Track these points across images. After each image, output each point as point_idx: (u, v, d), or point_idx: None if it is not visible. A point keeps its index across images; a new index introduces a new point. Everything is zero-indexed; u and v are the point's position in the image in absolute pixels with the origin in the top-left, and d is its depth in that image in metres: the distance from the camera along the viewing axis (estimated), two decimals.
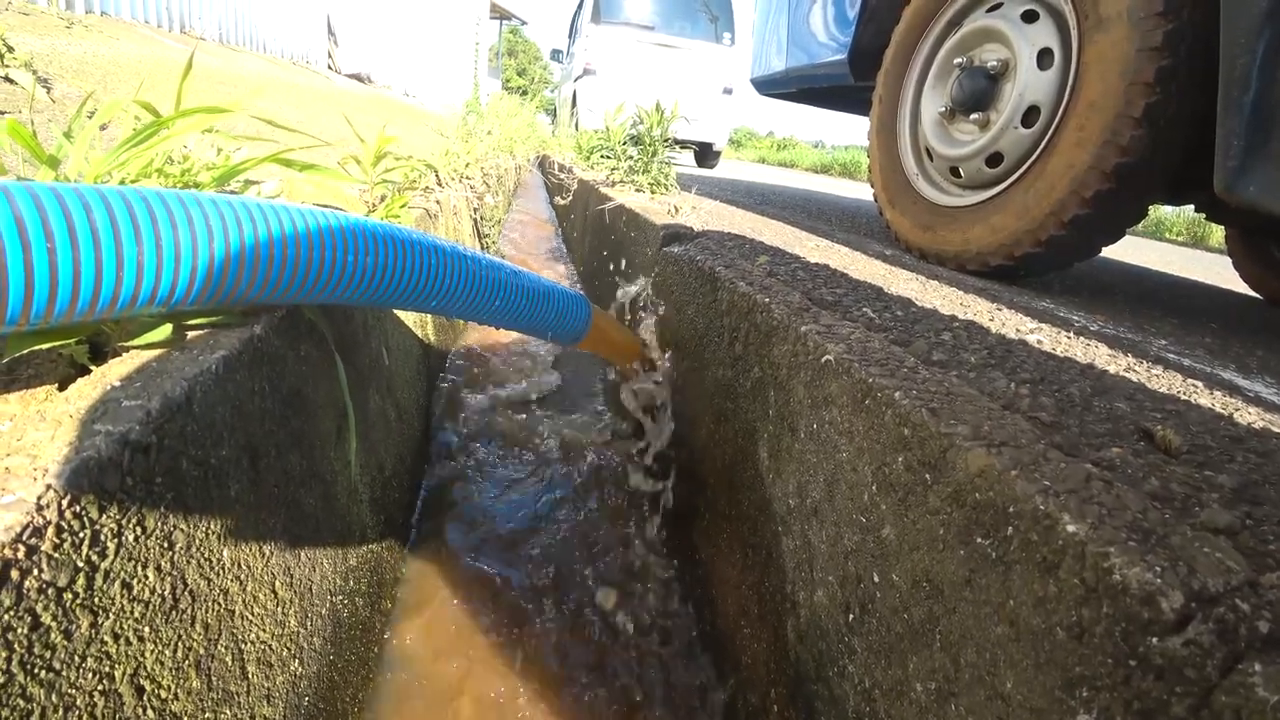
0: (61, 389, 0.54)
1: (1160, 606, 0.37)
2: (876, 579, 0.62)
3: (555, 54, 10.83)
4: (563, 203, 3.94)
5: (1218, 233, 7.15)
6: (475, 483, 1.47)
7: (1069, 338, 1.03)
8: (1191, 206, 2.13)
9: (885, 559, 0.61)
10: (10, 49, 1.67)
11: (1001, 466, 0.49)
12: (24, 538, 0.38)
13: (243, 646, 0.62)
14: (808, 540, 0.76)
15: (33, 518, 0.39)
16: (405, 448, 1.31)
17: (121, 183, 0.73)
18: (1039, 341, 0.97)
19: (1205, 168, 1.12)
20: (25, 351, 0.54)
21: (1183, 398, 0.79)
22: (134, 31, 3.43)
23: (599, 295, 2.34)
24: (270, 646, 0.67)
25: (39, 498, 0.39)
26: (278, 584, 0.69)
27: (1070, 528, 0.43)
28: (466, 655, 1.01)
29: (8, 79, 1.57)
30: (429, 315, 1.76)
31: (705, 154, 8.28)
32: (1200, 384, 0.88)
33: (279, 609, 0.69)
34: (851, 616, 0.66)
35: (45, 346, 0.55)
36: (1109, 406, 0.71)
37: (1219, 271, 3.49)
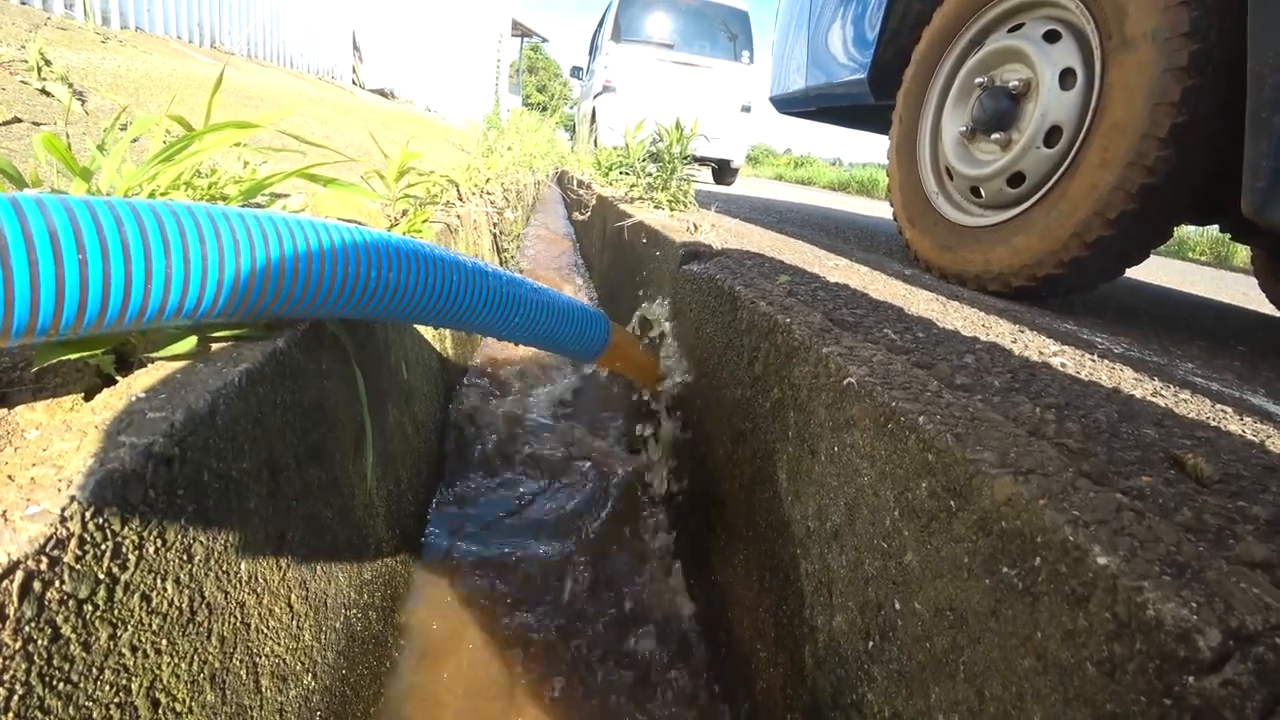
0: (87, 399, 0.55)
1: (1197, 644, 0.36)
2: (898, 606, 0.61)
3: (575, 71, 10.93)
4: (581, 218, 3.96)
5: (1242, 252, 7.04)
6: (488, 496, 1.47)
7: (1093, 360, 1.02)
8: (1216, 226, 2.10)
9: (907, 586, 0.60)
10: (48, 63, 1.72)
11: (1029, 495, 0.48)
12: (47, 549, 0.38)
13: (257, 660, 0.62)
14: (827, 564, 0.75)
15: (56, 529, 0.39)
16: (421, 461, 1.31)
17: (152, 195, 0.74)
18: (1063, 364, 0.95)
19: (1231, 188, 1.11)
20: (54, 361, 0.55)
21: (1212, 424, 0.77)
22: (166, 46, 3.51)
23: (617, 312, 2.34)
24: (284, 660, 0.67)
25: (63, 509, 0.40)
26: (293, 597, 0.69)
27: (1101, 560, 0.42)
28: (475, 670, 1.00)
29: (45, 92, 1.61)
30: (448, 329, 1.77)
31: (723, 171, 8.32)
32: (1230, 409, 0.86)
33: (294, 622, 0.69)
34: (872, 644, 0.65)
35: (73, 356, 0.55)
36: (1137, 432, 0.69)
37: (1245, 292, 3.43)
